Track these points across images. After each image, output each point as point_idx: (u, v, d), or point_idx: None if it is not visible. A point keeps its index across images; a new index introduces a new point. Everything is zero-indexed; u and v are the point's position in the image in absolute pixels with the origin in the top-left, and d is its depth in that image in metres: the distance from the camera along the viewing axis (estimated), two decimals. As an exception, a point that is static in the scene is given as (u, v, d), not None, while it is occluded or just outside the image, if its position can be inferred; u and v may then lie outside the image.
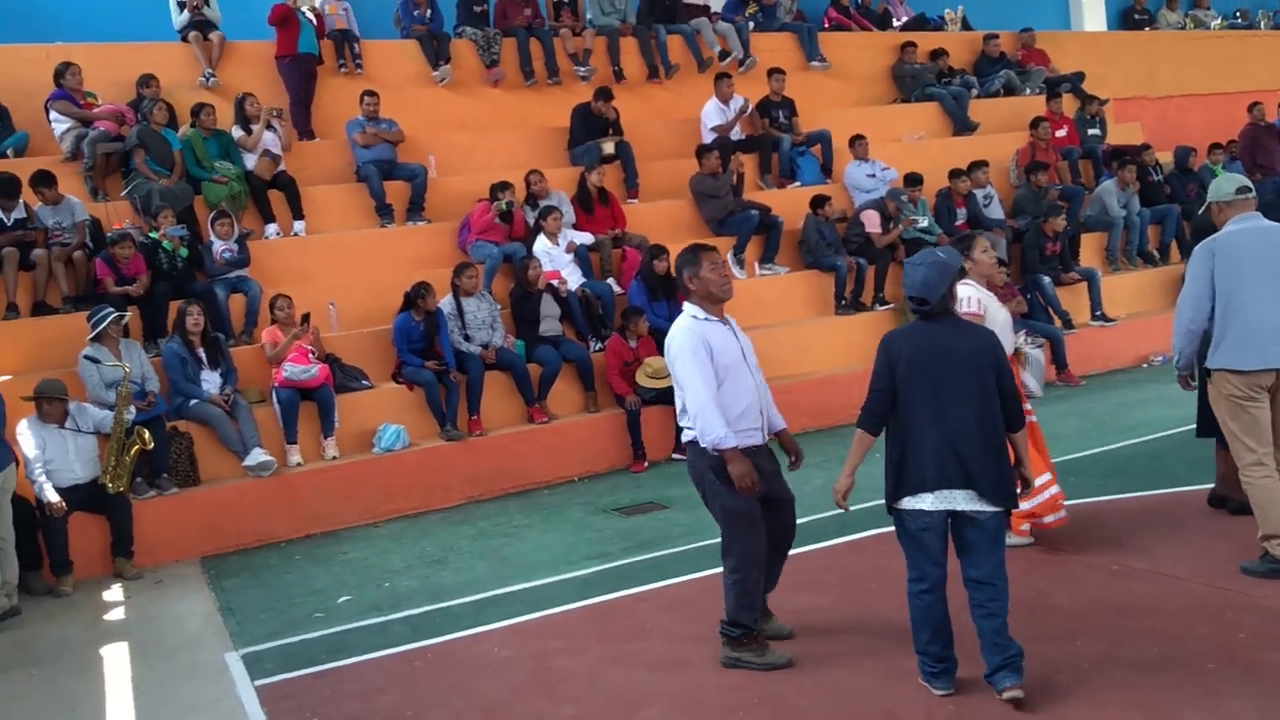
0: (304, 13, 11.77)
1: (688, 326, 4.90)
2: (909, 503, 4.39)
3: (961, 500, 4.31)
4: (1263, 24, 18.49)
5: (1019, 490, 4.51)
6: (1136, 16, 18.00)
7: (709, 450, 4.82)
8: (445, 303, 9.53)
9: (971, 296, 5.79)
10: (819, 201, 11.65)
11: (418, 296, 9.33)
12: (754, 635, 5.00)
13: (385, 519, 8.64)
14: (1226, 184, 5.77)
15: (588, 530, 7.82)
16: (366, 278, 10.32)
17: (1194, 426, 6.53)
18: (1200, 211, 6.26)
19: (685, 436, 5.03)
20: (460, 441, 9.12)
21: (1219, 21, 18.29)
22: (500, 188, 10.69)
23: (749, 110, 12.78)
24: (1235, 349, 5.47)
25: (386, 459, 8.89)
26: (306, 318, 9.12)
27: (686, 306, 5.00)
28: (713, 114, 12.62)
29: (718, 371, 4.83)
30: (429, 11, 12.80)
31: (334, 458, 8.85)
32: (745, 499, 4.81)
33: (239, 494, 8.40)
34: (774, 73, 13.18)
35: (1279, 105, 15.46)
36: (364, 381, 9.38)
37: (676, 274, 5.06)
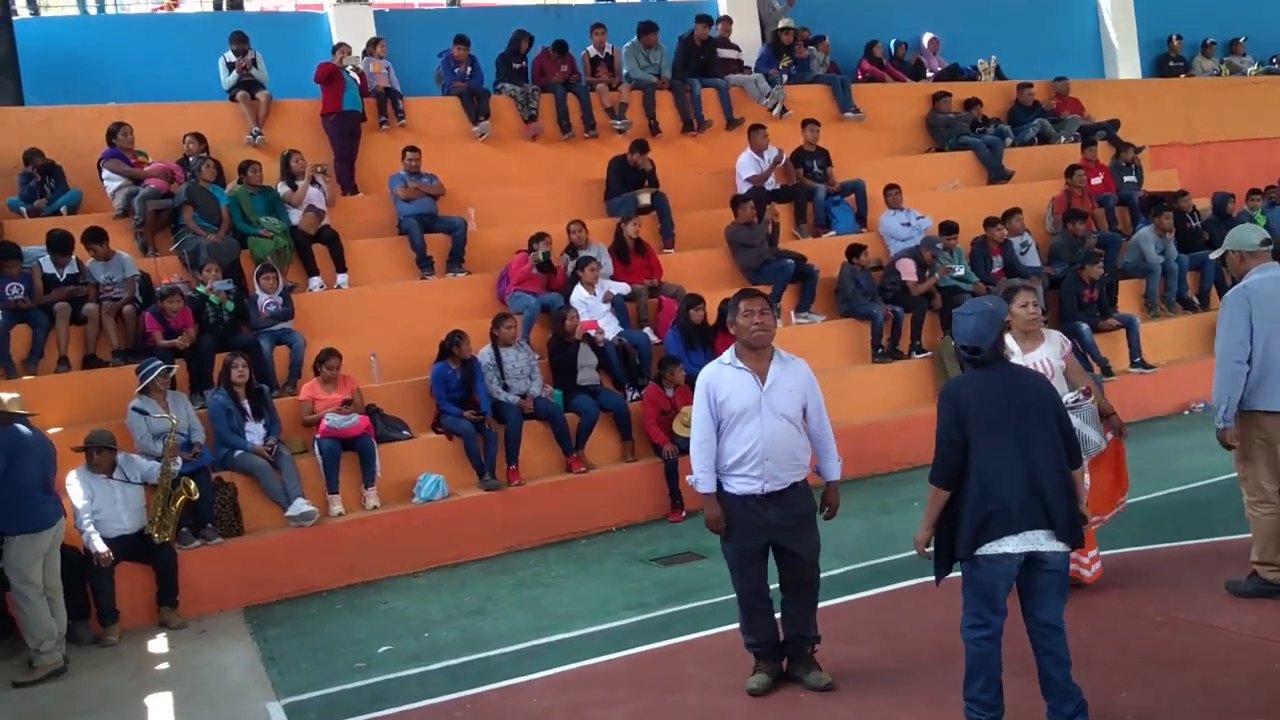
0: (349, 71, 12.06)
1: (705, 373, 5.22)
2: (991, 548, 4.34)
3: (1044, 540, 4.34)
4: (1298, 69, 18.48)
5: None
6: (1171, 64, 18.01)
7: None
8: (484, 353, 9.64)
9: (1042, 360, 5.94)
10: (855, 250, 11.71)
11: (452, 345, 9.44)
12: (755, 655, 5.39)
13: (425, 569, 8.68)
14: (1252, 234, 5.94)
15: (626, 580, 7.83)
16: (407, 329, 10.46)
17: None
18: (1212, 256, 6.39)
19: None
20: (499, 491, 9.18)
21: (1255, 68, 18.26)
22: (537, 239, 10.84)
23: (783, 160, 12.90)
24: (1272, 392, 5.68)
25: (426, 509, 8.96)
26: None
27: (727, 351, 5.28)
28: (747, 164, 12.74)
29: (723, 418, 5.08)
30: (469, 69, 13.07)
31: (375, 507, 8.93)
32: (734, 545, 5.22)
33: (282, 544, 8.49)
34: (808, 123, 13.31)
35: (1318, 150, 15.42)
36: (404, 432, 9.47)
37: (720, 316, 5.28)
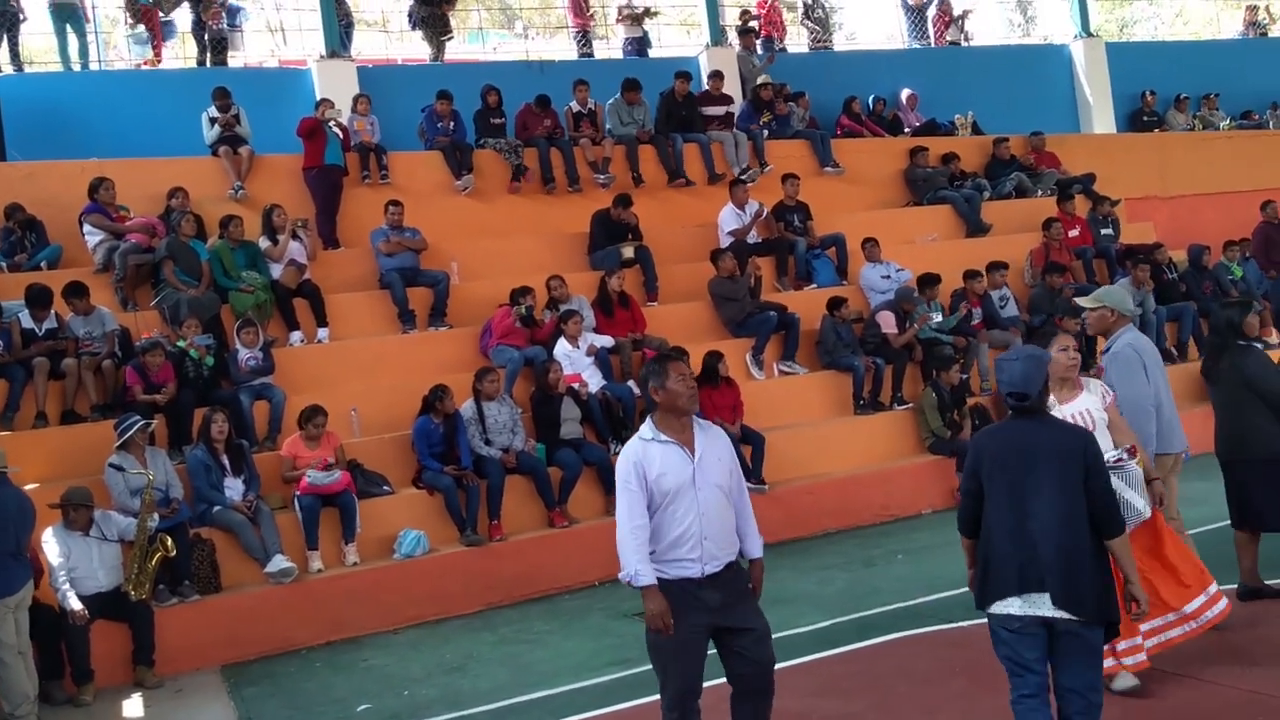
0: (331, 126, 12.12)
1: (629, 451, 4.58)
2: (998, 607, 4.23)
3: (1049, 606, 4.12)
4: (1271, 123, 18.73)
5: (1129, 608, 4.34)
6: (1145, 119, 18.27)
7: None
8: (466, 407, 9.61)
9: (1082, 410, 5.51)
10: (836, 303, 11.76)
11: (435, 399, 9.41)
12: None
13: (405, 625, 8.58)
14: (1129, 300, 6.56)
15: (609, 636, 7.75)
16: (388, 383, 10.43)
17: (1217, 524, 6.53)
18: (1083, 302, 6.72)
19: None
20: (480, 547, 9.11)
21: (1227, 122, 18.54)
22: (521, 293, 10.86)
23: (764, 215, 12.99)
24: (1166, 436, 6.25)
25: (407, 565, 8.88)
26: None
27: (644, 424, 4.64)
28: (729, 219, 12.83)
29: (655, 497, 4.49)
30: (452, 124, 13.16)
31: (355, 564, 8.85)
32: (666, 639, 4.50)
33: (260, 601, 8.39)
34: (788, 178, 13.42)
35: (1292, 203, 15.59)
36: (385, 487, 9.41)
37: (641, 385, 4.64)
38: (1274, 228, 14.92)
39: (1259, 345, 6.35)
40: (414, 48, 16.65)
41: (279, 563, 8.45)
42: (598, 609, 8.51)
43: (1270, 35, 21.35)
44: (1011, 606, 4.18)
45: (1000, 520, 4.23)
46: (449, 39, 15.54)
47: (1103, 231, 14.48)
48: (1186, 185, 16.90)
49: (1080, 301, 6.75)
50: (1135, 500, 5.33)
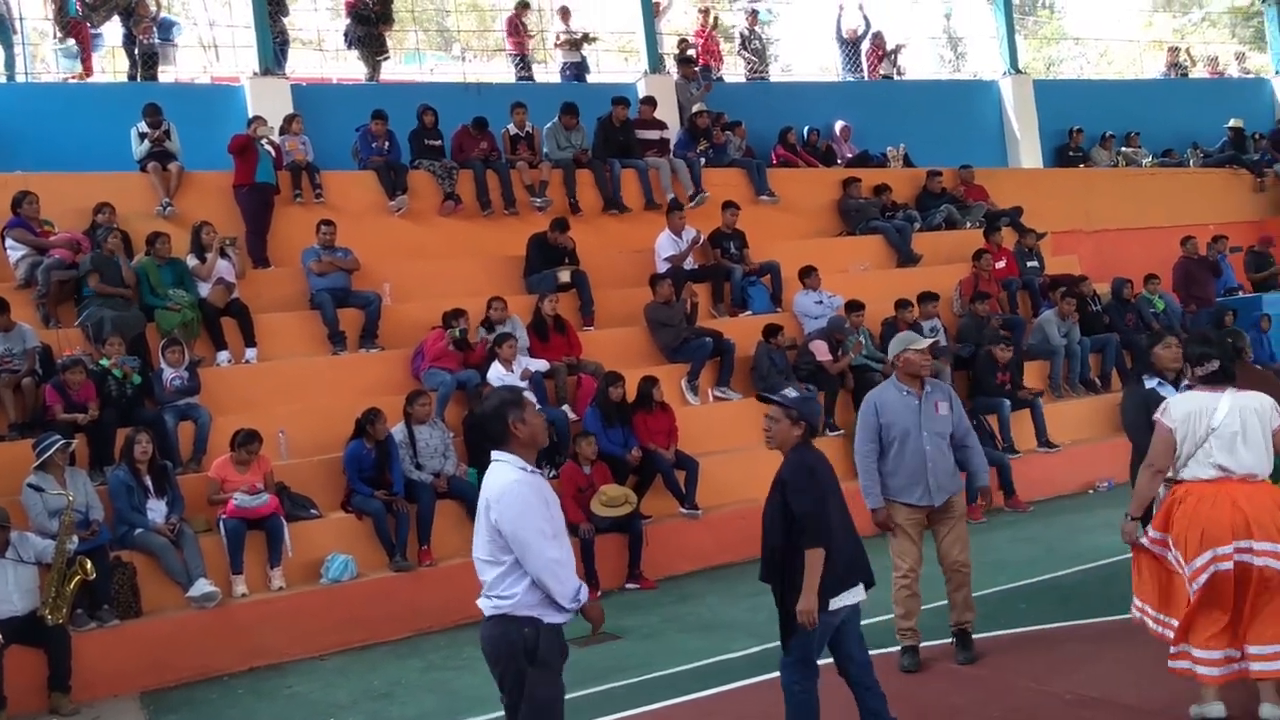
0: (263, 144, 11.97)
1: (530, 482, 4.31)
2: (845, 599, 5.07)
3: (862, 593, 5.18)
4: (1191, 162, 19.30)
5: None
6: (1071, 154, 18.72)
7: (526, 627, 4.25)
8: (397, 430, 9.51)
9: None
10: (772, 331, 11.84)
11: (368, 423, 9.30)
12: None
13: (331, 652, 8.43)
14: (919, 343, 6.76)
15: (540, 662, 7.67)
16: (318, 405, 10.29)
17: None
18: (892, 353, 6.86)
19: (489, 609, 4.35)
20: (410, 572, 9.00)
21: (1149, 160, 19.07)
22: (454, 315, 10.78)
23: (701, 241, 13.07)
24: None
25: (334, 590, 8.74)
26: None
27: (505, 458, 4.38)
28: (666, 245, 12.89)
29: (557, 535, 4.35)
30: (387, 144, 13.07)
31: (280, 588, 8.69)
32: (561, 686, 4.39)
33: (182, 626, 8.20)
34: (726, 206, 13.54)
35: (1210, 239, 16.07)
36: (313, 510, 9.27)
37: (495, 417, 4.38)
38: (1194, 263, 15.36)
39: (1156, 381, 6.42)
40: (349, 67, 16.52)
41: (202, 587, 8.27)
42: (528, 635, 8.42)
43: (1190, 77, 22.03)
44: (849, 599, 5.00)
45: (842, 524, 5.02)
46: (385, 59, 15.45)
47: (1029, 264, 14.78)
48: (1110, 220, 17.36)
49: (892, 354, 6.84)
50: None
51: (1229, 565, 5.09)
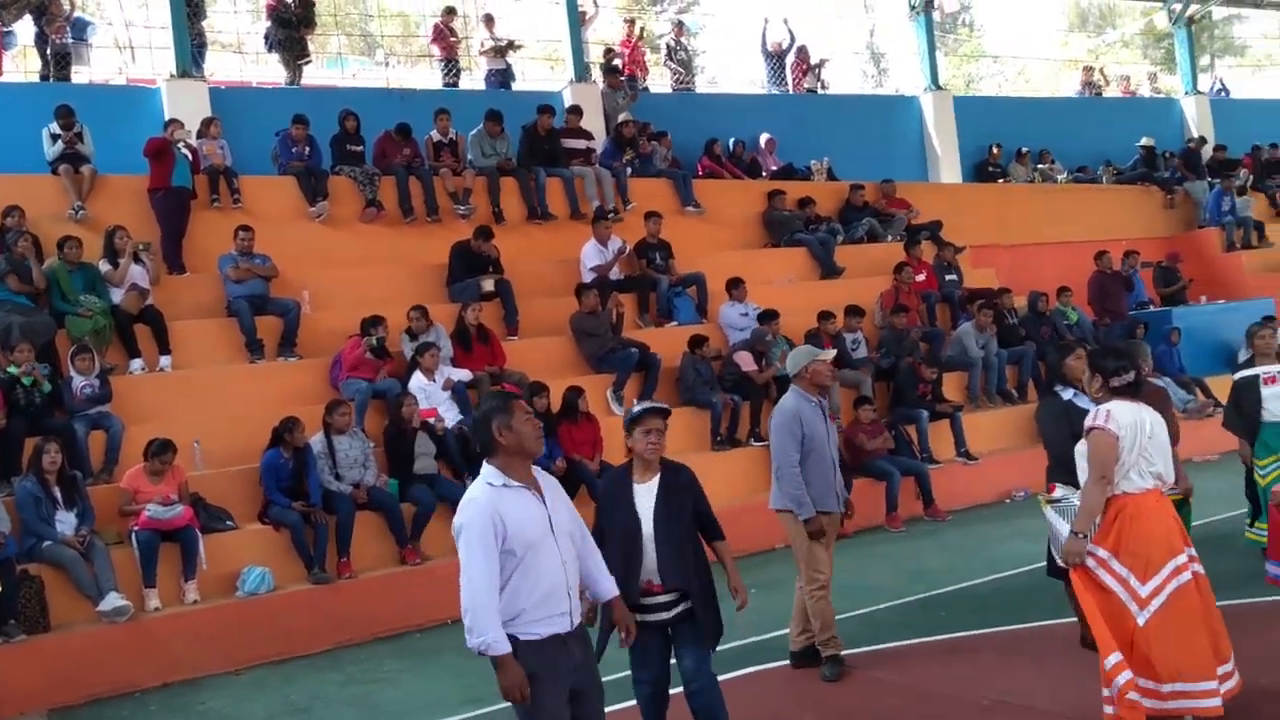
0: (179, 147, 11.72)
1: (480, 500, 4.11)
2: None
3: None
4: (1104, 179, 19.80)
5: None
6: (990, 170, 19.09)
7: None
8: (316, 440, 9.35)
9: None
10: (697, 342, 11.87)
11: (285, 432, 9.14)
12: None
13: (247, 666, 8.25)
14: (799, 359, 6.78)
15: (462, 674, 7.59)
16: (234, 414, 10.09)
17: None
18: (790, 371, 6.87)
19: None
20: (328, 584, 8.85)
21: (1064, 176, 19.52)
22: (372, 323, 10.64)
23: (627, 251, 13.07)
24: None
25: (250, 603, 8.56)
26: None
27: (484, 469, 4.24)
28: (591, 254, 12.87)
29: (517, 550, 4.09)
30: (307, 149, 12.88)
31: (195, 602, 8.48)
32: (545, 703, 4.14)
33: (92, 641, 7.97)
34: (651, 216, 13.56)
35: (1123, 254, 16.49)
36: (228, 522, 9.08)
37: (481, 425, 4.26)
38: (1107, 277, 15.75)
39: (1071, 392, 6.54)
40: (270, 71, 16.25)
41: (112, 601, 8.04)
42: (450, 647, 8.32)
43: (1104, 96, 22.61)
44: None
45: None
46: (306, 63, 15.23)
47: (948, 277, 15.03)
48: (1026, 235, 17.72)
49: (790, 371, 6.91)
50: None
51: (1188, 575, 5.10)
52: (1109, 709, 5.06)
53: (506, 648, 4.04)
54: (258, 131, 13.29)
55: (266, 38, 15.04)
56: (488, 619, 4.02)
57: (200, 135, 12.47)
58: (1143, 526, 5.10)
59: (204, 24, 14.62)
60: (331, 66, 20.87)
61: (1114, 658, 5.00)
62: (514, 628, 4.10)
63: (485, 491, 4.14)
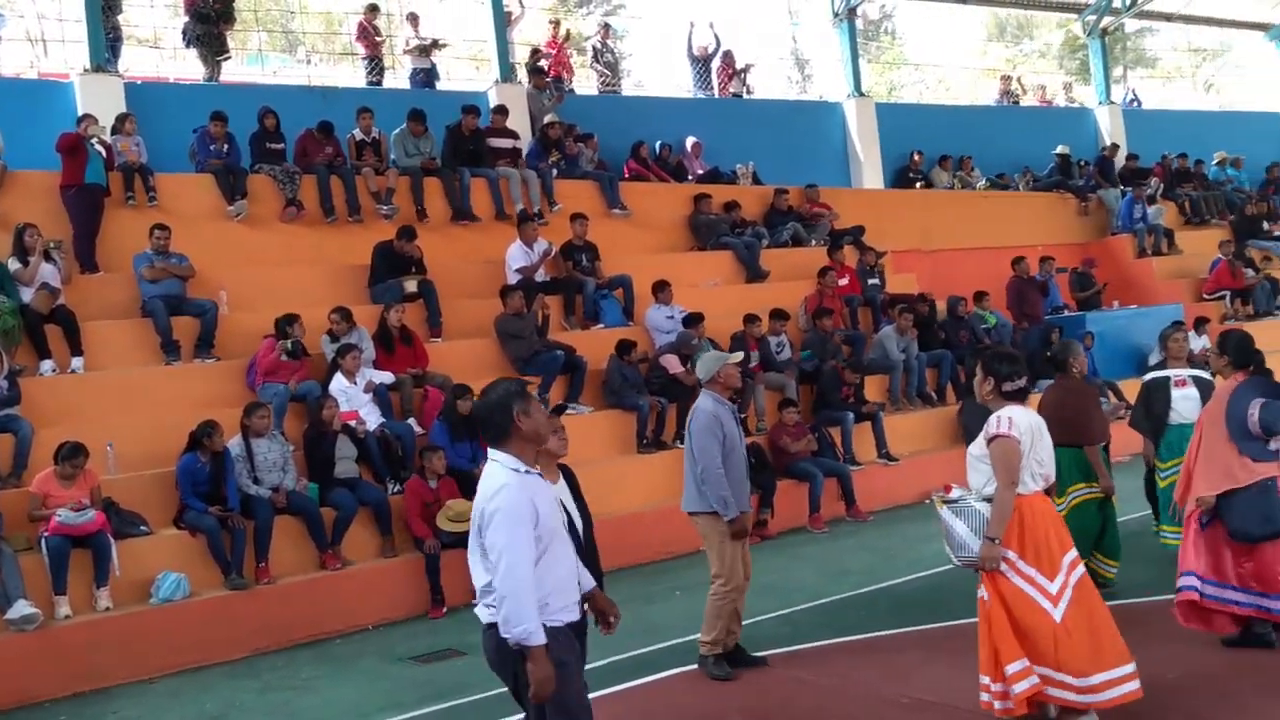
0: (93, 143, 11.43)
1: (513, 485, 4.06)
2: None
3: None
4: (1021, 186, 20.22)
5: None
6: (911, 176, 19.39)
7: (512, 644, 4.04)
8: (234, 443, 9.17)
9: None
10: (625, 348, 11.85)
11: (204, 436, 8.94)
12: None
13: (162, 674, 8.06)
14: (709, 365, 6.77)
15: (382, 680, 7.52)
16: (149, 417, 9.86)
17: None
18: (701, 377, 6.91)
19: (485, 617, 4.17)
20: (246, 590, 8.67)
21: (983, 183, 19.90)
22: (287, 321, 10.47)
23: (553, 253, 13.03)
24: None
25: (165, 610, 8.35)
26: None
27: (500, 457, 4.17)
28: (517, 256, 12.80)
29: (542, 538, 4.07)
30: (226, 146, 12.64)
31: (107, 609, 8.26)
32: (574, 682, 4.16)
33: (-2, 650, 7.72)
34: (577, 218, 13.54)
35: (1039, 260, 16.85)
36: (143, 527, 8.86)
37: (499, 409, 4.17)
38: (1024, 282, 16.08)
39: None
40: (187, 67, 15.94)
41: (21, 609, 7.79)
42: (371, 653, 8.24)
43: (1022, 105, 23.10)
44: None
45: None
46: (225, 59, 14.95)
47: (870, 281, 15.23)
48: (946, 240, 18.04)
49: (700, 376, 6.96)
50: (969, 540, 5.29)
51: (1081, 569, 5.25)
52: (997, 705, 5.17)
53: (544, 639, 3.99)
54: (175, 128, 13.01)
55: (184, 33, 14.73)
56: (530, 608, 3.96)
57: (115, 131, 12.19)
58: (1039, 526, 5.23)
59: (119, 18, 14.29)
60: (252, 63, 20.54)
61: (1016, 665, 5.09)
62: (541, 617, 4.04)
63: (516, 479, 4.08)
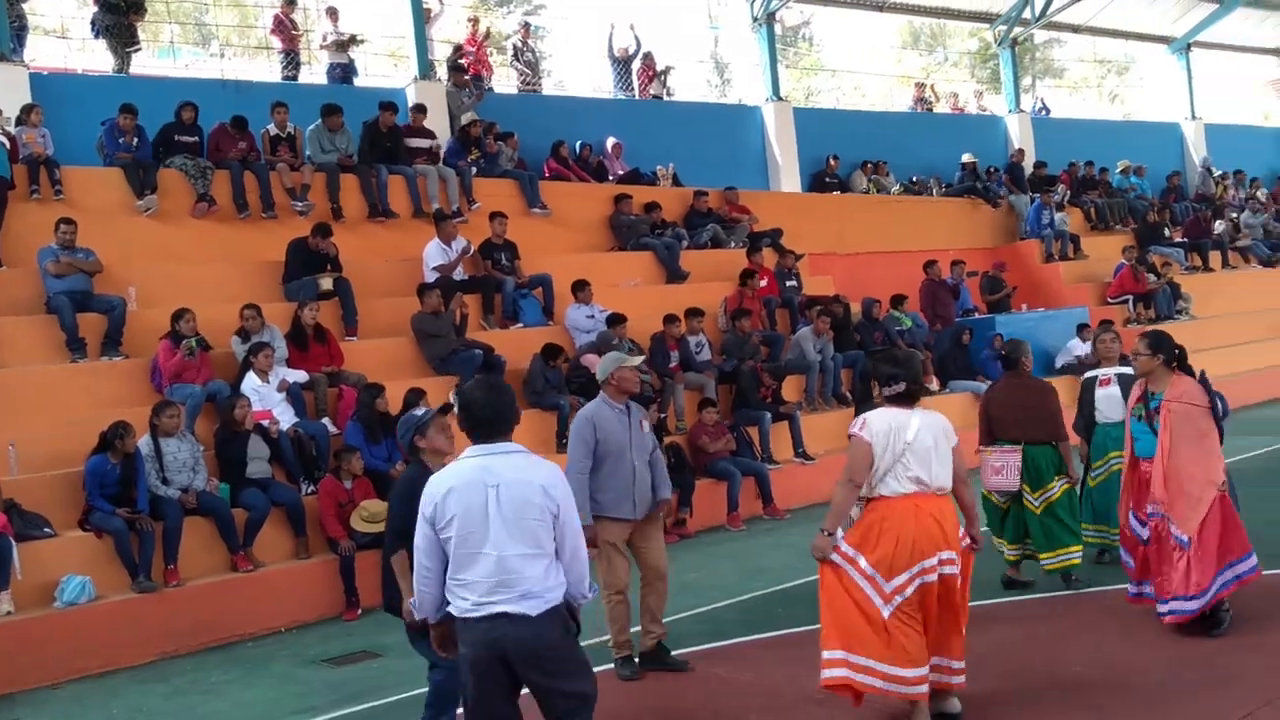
0: (-5, 135, 11.11)
1: (552, 465, 4.43)
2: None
3: None
4: (933, 191, 20.60)
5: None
6: (827, 180, 19.63)
7: (569, 612, 4.34)
8: (143, 443, 8.95)
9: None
10: (552, 353, 11.76)
11: (115, 437, 8.72)
12: None
13: (67, 680, 7.85)
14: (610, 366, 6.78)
15: (294, 683, 7.41)
16: (53, 416, 9.59)
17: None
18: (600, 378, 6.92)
19: (540, 608, 4.21)
20: (154, 593, 8.48)
21: (897, 187, 20.24)
22: (178, 315, 10.25)
23: (471, 252, 12.94)
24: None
25: (69, 613, 8.13)
26: None
27: (517, 447, 4.43)
28: (435, 254, 12.69)
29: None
30: (135, 140, 12.34)
31: (9, 613, 8.00)
32: None
33: (-109, 657, 7.46)
34: (496, 216, 13.46)
35: (951, 263, 17.19)
36: (46, 529, 8.61)
37: (514, 402, 4.47)
38: (937, 285, 16.41)
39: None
40: (96, 59, 15.53)
41: (-87, 615, 7.55)
42: (283, 655, 8.12)
43: (935, 111, 23.53)
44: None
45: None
46: (136, 50, 14.60)
47: (788, 283, 15.39)
48: (862, 244, 18.31)
49: (600, 377, 7.00)
50: None
51: (934, 578, 5.37)
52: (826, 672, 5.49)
53: None
54: (83, 121, 12.70)
55: (93, 23, 14.36)
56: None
57: (19, 123, 11.87)
58: (892, 529, 5.39)
59: (24, 6, 13.87)
60: (163, 56, 20.05)
61: (832, 654, 5.43)
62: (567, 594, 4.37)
63: (554, 464, 4.48)
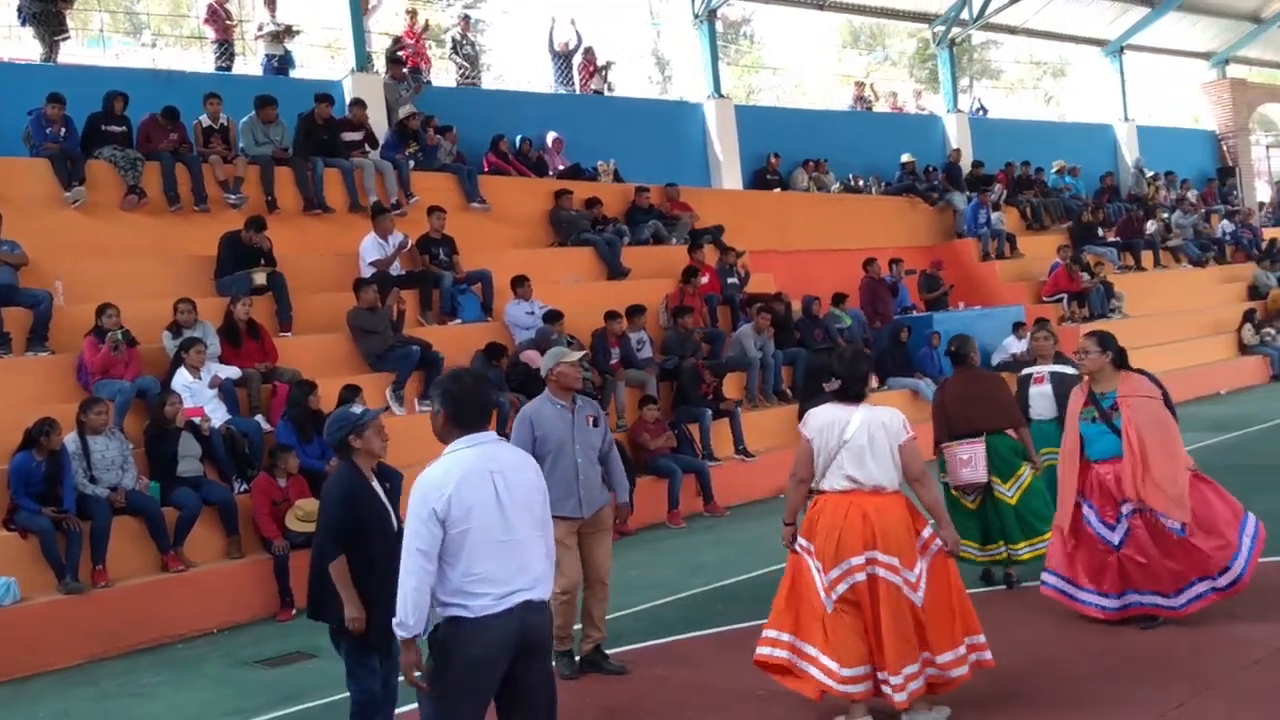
0: (-86, 123, 10.75)
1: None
2: None
3: None
4: (872, 189, 20.77)
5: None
6: (768, 178, 19.70)
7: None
8: (70, 440, 8.73)
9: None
10: (495, 352, 11.65)
11: (40, 434, 8.48)
12: None
13: (-12, 685, 7.64)
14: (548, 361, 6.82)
15: (226, 685, 7.27)
16: (-24, 413, 9.31)
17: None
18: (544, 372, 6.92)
19: (544, 595, 4.30)
20: (82, 594, 8.28)
21: (837, 185, 20.37)
22: (101, 310, 10.01)
23: (408, 246, 12.78)
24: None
25: (-8, 616, 7.91)
26: None
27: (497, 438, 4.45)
28: (371, 248, 12.52)
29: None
30: (63, 130, 12.02)
31: (-74, 617, 7.78)
32: None
33: None
34: (434, 210, 13.32)
35: (890, 262, 17.33)
36: (-33, 529, 8.37)
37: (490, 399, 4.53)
38: (877, 283, 16.55)
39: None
40: (22, 47, 15.11)
41: None
42: (216, 656, 7.96)
43: (874, 110, 23.72)
44: None
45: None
46: (64, 39, 14.21)
47: (729, 280, 15.42)
48: (802, 241, 18.40)
49: (544, 372, 6.97)
50: None
51: (862, 576, 5.38)
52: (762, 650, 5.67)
53: None
54: (8, 110, 12.33)
55: (19, 10, 13.93)
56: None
57: (-60, 111, 11.48)
58: (824, 525, 5.50)
59: (-54, -9, 13.47)
60: (93, 45, 19.57)
61: (779, 634, 5.61)
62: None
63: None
